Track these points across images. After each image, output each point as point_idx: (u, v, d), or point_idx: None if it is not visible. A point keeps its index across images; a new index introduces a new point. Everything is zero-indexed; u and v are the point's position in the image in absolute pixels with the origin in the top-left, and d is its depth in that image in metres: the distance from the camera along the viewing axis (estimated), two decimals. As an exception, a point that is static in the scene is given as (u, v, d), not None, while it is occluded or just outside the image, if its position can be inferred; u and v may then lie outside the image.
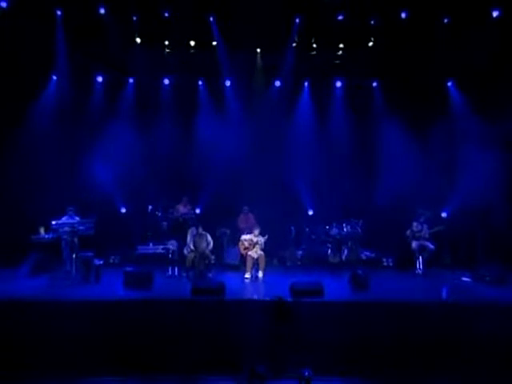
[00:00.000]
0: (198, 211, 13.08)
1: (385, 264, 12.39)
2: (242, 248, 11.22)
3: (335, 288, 9.54)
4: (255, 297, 9.28)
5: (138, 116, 13.29)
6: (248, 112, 13.25)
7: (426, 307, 8.72)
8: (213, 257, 10.96)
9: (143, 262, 11.58)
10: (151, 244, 12.54)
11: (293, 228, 12.31)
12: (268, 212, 12.42)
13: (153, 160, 13.21)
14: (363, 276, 9.68)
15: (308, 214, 13.71)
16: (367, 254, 12.59)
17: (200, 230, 11.07)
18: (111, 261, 12.07)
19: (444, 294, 9.53)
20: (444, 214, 13.09)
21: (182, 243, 11.35)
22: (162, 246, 11.91)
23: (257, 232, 11.09)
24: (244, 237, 11.21)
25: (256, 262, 10.90)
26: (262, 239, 11.00)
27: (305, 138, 13.52)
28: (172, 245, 11.55)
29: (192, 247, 10.96)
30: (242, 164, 13.03)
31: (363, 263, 12.15)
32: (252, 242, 11.11)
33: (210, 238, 11.07)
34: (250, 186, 12.80)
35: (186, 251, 11.18)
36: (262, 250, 11.01)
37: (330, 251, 12.52)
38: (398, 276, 11.49)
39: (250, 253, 11.00)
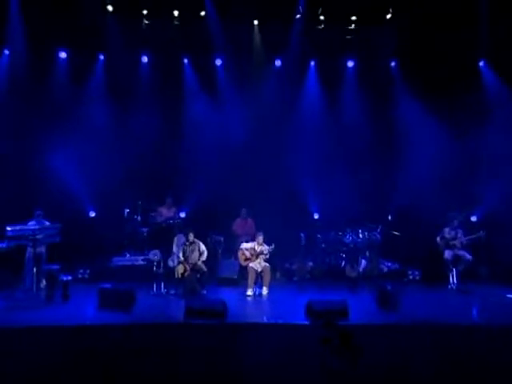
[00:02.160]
0: (183, 215, 12.93)
1: (410, 277, 12.09)
2: (242, 259, 10.93)
3: (358, 308, 9.04)
4: (265, 319, 8.74)
5: (110, 100, 12.97)
6: (244, 97, 13.04)
7: (467, 331, 8.39)
8: (206, 269, 10.58)
9: (120, 277, 11.11)
10: (128, 255, 12.20)
11: (303, 235, 11.81)
12: (270, 215, 12.14)
13: (129, 153, 12.79)
14: (392, 294, 9.29)
15: (317, 219, 13.47)
16: (388, 265, 12.22)
17: (190, 237, 10.69)
18: (80, 275, 11.65)
19: (486, 315, 9.20)
20: (474, 218, 12.82)
21: (167, 253, 11.11)
22: (142, 258, 11.55)
23: (260, 239, 10.79)
24: (245, 245, 10.91)
25: (259, 276, 10.55)
26: (267, 248, 10.68)
27: (311, 127, 13.35)
28: (154, 256, 11.12)
29: (181, 258, 10.61)
30: (238, 158, 12.88)
31: (384, 276, 11.78)
32: (254, 252, 10.80)
33: (203, 246, 10.75)
34: (247, 184, 12.57)
35: (171, 263, 11.04)
36: (267, 261, 10.70)
37: (343, 263, 12.21)
38: (427, 292, 11.11)
39: (251, 264, 10.64)
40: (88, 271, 11.81)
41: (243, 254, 10.86)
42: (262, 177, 12.77)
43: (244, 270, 10.99)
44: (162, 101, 12.99)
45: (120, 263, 11.96)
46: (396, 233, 12.17)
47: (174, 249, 11.11)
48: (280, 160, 12.89)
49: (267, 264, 10.65)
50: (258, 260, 10.68)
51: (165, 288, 10.55)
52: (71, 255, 11.34)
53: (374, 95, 13.24)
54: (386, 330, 8.36)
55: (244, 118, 12.92)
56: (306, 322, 8.35)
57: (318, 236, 12.49)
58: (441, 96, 12.54)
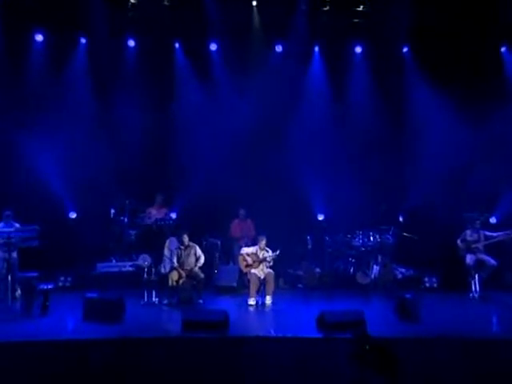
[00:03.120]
0: (173, 216, 12.58)
1: (427, 285, 11.91)
2: (243, 265, 10.72)
3: (375, 319, 8.67)
4: (272, 332, 8.46)
5: (92, 89, 12.81)
6: (241, 86, 12.89)
7: (493, 345, 8.12)
8: (203, 276, 10.42)
9: (105, 285, 10.97)
10: (114, 260, 11.98)
11: (309, 238, 11.81)
12: (271, 216, 12.02)
13: (114, 147, 12.60)
14: (413, 303, 9.08)
15: (321, 220, 13.26)
16: (402, 271, 12.09)
17: (185, 240, 10.54)
18: (61, 284, 11.50)
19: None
20: (493, 220, 12.62)
21: (158, 259, 10.95)
22: (129, 263, 11.43)
23: (263, 244, 10.61)
24: (246, 250, 10.75)
25: (262, 284, 10.42)
26: (270, 254, 10.54)
27: (315, 119, 13.24)
28: (144, 261, 11.00)
29: (175, 264, 10.42)
30: (236, 153, 12.72)
31: (398, 284, 11.73)
32: (257, 258, 10.60)
33: (199, 251, 10.62)
34: (246, 181, 12.42)
35: (162, 269, 10.85)
36: (270, 267, 10.57)
37: (352, 268, 12.12)
38: (446, 301, 10.92)
39: (254, 271, 10.48)
40: (69, 279, 11.66)
41: (244, 259, 10.67)
42: (263, 173, 12.64)
43: (244, 276, 10.89)
44: (151, 90, 12.79)
45: (105, 270, 11.74)
46: (410, 235, 12.08)
47: (166, 253, 10.92)
48: (282, 155, 12.71)
49: (271, 270, 10.50)
50: (261, 266, 10.52)
51: (157, 297, 10.31)
52: (50, 261, 11.15)
53: (383, 84, 13.07)
54: (407, 344, 8.04)
55: (242, 108, 12.76)
56: (319, 335, 8.12)
57: (327, 239, 12.34)
58: (457, 85, 12.49)
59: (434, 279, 11.96)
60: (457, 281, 11.41)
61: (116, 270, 11.70)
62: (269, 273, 10.44)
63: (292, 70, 13.21)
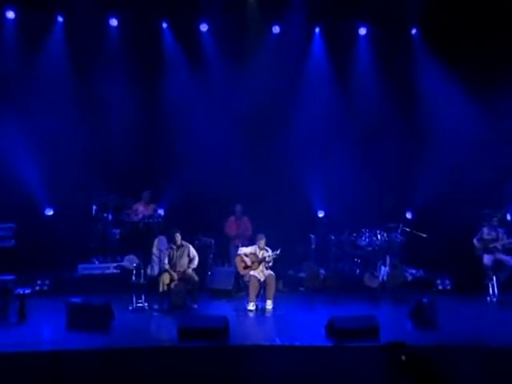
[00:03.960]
0: (161, 212, 12.57)
1: (440, 287, 11.87)
2: (241, 266, 10.61)
3: (388, 325, 8.52)
4: (277, 341, 8.24)
5: (71, 72, 12.72)
6: (236, 69, 12.84)
7: None
8: (197, 279, 10.34)
9: (88, 289, 10.80)
10: (97, 262, 12.03)
11: (313, 237, 11.66)
12: (269, 213, 12.10)
13: (96, 137, 12.59)
14: (431, 308, 8.99)
15: (325, 217, 13.25)
16: (413, 272, 12.06)
17: (178, 239, 10.42)
18: (39, 288, 11.31)
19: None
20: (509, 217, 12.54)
21: (145, 260, 10.82)
22: (114, 265, 11.52)
23: (262, 243, 10.52)
24: (244, 250, 10.64)
25: (262, 287, 10.34)
26: (270, 254, 10.40)
27: (316, 106, 13.22)
28: (130, 262, 11.01)
29: (166, 265, 10.29)
30: (231, 143, 12.71)
31: (408, 286, 11.61)
32: (256, 258, 10.49)
33: (193, 251, 10.50)
34: (242, 175, 12.48)
35: (150, 271, 10.74)
36: (270, 268, 10.48)
37: (358, 270, 12.08)
38: (462, 305, 10.75)
39: (253, 273, 10.35)
40: (48, 282, 11.49)
41: (242, 260, 10.56)
42: (260, 166, 12.68)
43: (240, 279, 10.89)
44: (136, 74, 12.73)
45: (87, 272, 11.75)
46: (418, 233, 11.99)
47: (155, 254, 10.78)
48: (281, 145, 12.77)
49: (271, 272, 10.37)
50: (260, 268, 10.42)
51: (146, 302, 10.16)
52: (26, 263, 11.01)
53: (390, 68, 13.08)
54: (427, 354, 7.26)
55: (236, 95, 12.75)
56: (329, 344, 8.00)
57: (332, 238, 12.25)
58: (472, 70, 12.52)
59: (447, 281, 11.94)
60: (472, 283, 11.38)
61: (99, 272, 11.71)
62: (269, 275, 10.32)
63: (291, 53, 13.23)
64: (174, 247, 10.39)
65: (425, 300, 9.19)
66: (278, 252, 10.35)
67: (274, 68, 13.00)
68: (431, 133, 12.82)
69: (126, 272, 10.96)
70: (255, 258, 10.50)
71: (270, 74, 12.90)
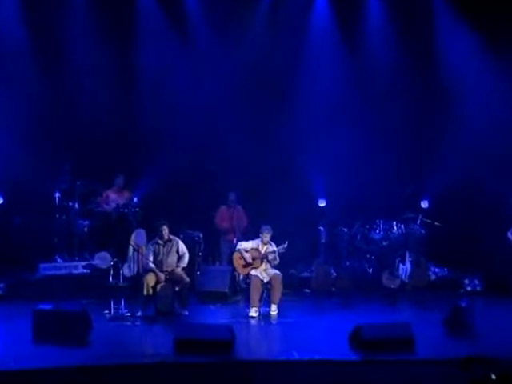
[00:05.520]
0: (135, 200, 12.49)
1: (468, 288, 11.88)
2: (239, 265, 10.53)
3: (420, 333, 8.37)
4: (294, 354, 8.00)
5: (29, 37, 12.62)
6: (227, 37, 12.96)
7: None
8: (188, 280, 10.29)
9: (52, 293, 10.63)
10: (60, 260, 11.92)
11: (323, 230, 11.74)
12: (267, 202, 12.42)
13: (60, 110, 12.58)
14: (469, 313, 9.01)
15: (323, 206, 13.03)
16: (436, 271, 12.17)
17: (165, 233, 10.26)
18: None
19: None
20: None
21: (121, 257, 10.81)
22: (83, 263, 11.56)
23: (268, 236, 10.39)
24: (244, 245, 10.52)
25: (265, 289, 10.26)
26: (275, 249, 10.34)
27: (317, 80, 13.21)
28: (102, 260, 11.20)
29: (151, 264, 10.16)
30: (220, 120, 12.79)
31: (431, 287, 11.68)
32: (258, 255, 10.36)
33: (183, 246, 10.41)
34: (235, 158, 12.63)
35: (128, 271, 10.67)
36: (275, 267, 10.42)
37: (372, 269, 12.29)
38: (496, 308, 10.74)
39: (254, 273, 10.25)
40: (3, 285, 11.32)
41: (241, 257, 10.45)
42: (257, 147, 12.68)
43: (237, 279, 11.20)
44: (107, 38, 12.71)
45: (51, 272, 11.64)
46: (433, 222, 12.17)
47: (131, 250, 10.72)
48: (281, 123, 12.80)
49: (277, 272, 10.30)
50: (264, 266, 10.32)
51: (126, 308, 10.05)
52: None
53: (407, 33, 12.99)
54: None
55: (227, 61, 12.89)
56: (356, 357, 7.90)
57: (345, 230, 12.37)
58: (503, 33, 12.42)
59: (477, 281, 11.94)
60: (506, 282, 11.43)
61: (65, 272, 11.64)
62: (275, 274, 10.25)
63: (292, 17, 13.25)
64: (161, 242, 10.27)
65: (463, 304, 9.18)
66: (285, 245, 10.29)
67: (272, 34, 13.14)
68: (456, 108, 12.82)
69: (97, 272, 11.13)
70: (257, 254, 10.39)
71: (267, 42, 13.07)
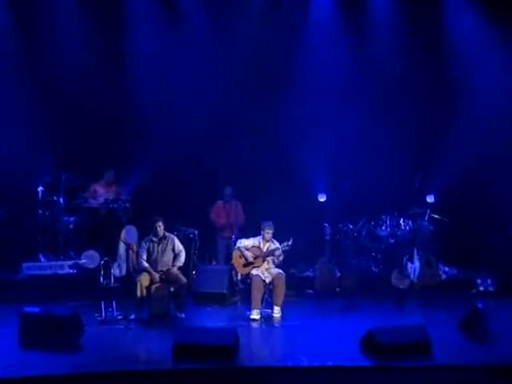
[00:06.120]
0: (125, 195, 12.49)
1: (480, 288, 11.78)
2: (239, 264, 10.52)
3: (435, 337, 8.34)
4: (304, 360, 7.95)
5: (12, 20, 12.71)
6: (224, 26, 13.07)
7: None
8: (185, 280, 10.24)
9: (36, 295, 10.72)
10: (44, 259, 11.90)
11: (327, 226, 11.62)
12: (265, 197, 12.37)
13: (44, 97, 12.55)
14: (487, 316, 8.94)
15: (323, 201, 13.02)
16: (446, 270, 12.21)
17: (160, 229, 10.18)
18: None
19: None
20: None
21: (110, 256, 10.71)
22: (69, 263, 11.49)
23: (270, 233, 10.37)
24: (245, 243, 10.52)
25: (268, 290, 10.23)
26: (278, 246, 10.30)
27: (324, 70, 13.29)
28: (90, 259, 11.03)
29: (144, 263, 10.11)
30: (216, 110, 12.95)
31: (440, 287, 11.55)
32: (260, 253, 10.35)
33: (179, 244, 10.36)
34: (232, 150, 12.75)
35: (117, 271, 10.72)
36: (278, 266, 10.39)
37: (378, 268, 12.31)
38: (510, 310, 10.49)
39: (256, 272, 10.20)
40: None
41: (241, 256, 10.43)
42: (254, 139, 12.74)
43: (236, 279, 11.21)
44: (101, 28, 12.84)
45: (34, 272, 11.55)
46: (440, 217, 12.17)
47: (121, 249, 10.86)
48: (279, 110, 12.84)
49: (280, 271, 10.22)
50: (265, 265, 10.28)
51: (118, 311, 9.98)
52: None
53: (417, 16, 13.02)
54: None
55: (225, 48, 13.02)
56: (371, 363, 7.84)
57: (350, 227, 12.40)
58: None
59: (490, 280, 11.85)
60: None
61: (50, 272, 11.54)
62: (278, 274, 10.16)
63: (293, 2, 13.42)
64: (155, 240, 10.19)
65: (480, 305, 9.22)
66: (289, 243, 10.24)
67: (271, 17, 13.17)
68: (464, 97, 12.87)
69: (85, 272, 11.03)
70: (259, 252, 10.36)
71: (266, 25, 13.13)
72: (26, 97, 12.38)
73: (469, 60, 13.05)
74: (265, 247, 10.38)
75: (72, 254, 11.74)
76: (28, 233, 12.11)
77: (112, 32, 12.93)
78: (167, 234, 10.30)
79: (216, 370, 7.67)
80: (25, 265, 11.52)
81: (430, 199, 12.69)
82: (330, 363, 7.72)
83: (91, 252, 11.03)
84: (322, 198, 13.10)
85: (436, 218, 12.31)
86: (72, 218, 12.15)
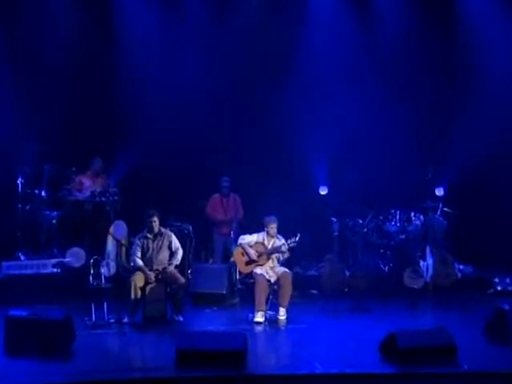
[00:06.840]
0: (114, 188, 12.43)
1: (498, 287, 11.82)
2: (241, 262, 10.47)
3: (459, 341, 8.28)
4: (318, 367, 7.87)
5: None
6: (222, 9, 13.20)
7: None
8: (184, 280, 10.21)
9: (17, 296, 10.57)
10: (23, 257, 11.90)
11: (335, 221, 11.68)
12: (266, 190, 12.50)
13: (22, 81, 12.54)
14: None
15: (325, 194, 13.17)
16: (460, 268, 12.19)
17: (155, 225, 10.08)
18: None
19: None
20: None
21: (97, 254, 10.57)
22: (53, 262, 11.42)
23: (274, 228, 10.31)
24: (248, 239, 10.46)
25: (272, 290, 10.15)
26: (284, 243, 10.22)
27: (327, 55, 13.39)
28: (75, 258, 11.15)
29: (139, 262, 10.02)
30: (212, 97, 13.04)
31: (455, 286, 11.57)
32: (265, 250, 10.29)
33: (176, 241, 10.28)
34: (230, 139, 12.88)
35: (108, 271, 10.56)
36: (283, 264, 10.37)
37: (387, 267, 12.33)
38: None
39: (259, 271, 10.14)
40: None
41: (244, 253, 10.35)
42: (254, 127, 12.89)
43: (244, 280, 11.22)
44: (87, 11, 12.95)
45: (15, 272, 11.51)
46: (452, 211, 12.29)
47: (110, 246, 11.00)
48: (279, 98, 12.90)
49: (286, 270, 10.18)
50: (270, 263, 10.22)
51: (110, 314, 9.82)
52: None
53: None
54: None
55: (221, 42, 13.07)
56: (393, 370, 7.77)
57: (360, 222, 12.43)
58: None
59: (509, 279, 11.93)
60: None
61: (32, 272, 11.50)
62: (284, 273, 10.08)
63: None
64: (150, 236, 10.09)
65: (506, 307, 9.11)
66: (296, 239, 10.17)
67: (272, 10, 13.32)
68: (476, 84, 12.89)
69: (70, 272, 11.07)
70: (263, 249, 10.29)
71: (267, 8, 13.29)
72: (13, 81, 12.37)
73: (483, 45, 13.08)
74: (269, 244, 10.33)
75: (56, 251, 11.69)
76: (6, 229, 11.96)
77: (102, 18, 12.98)
78: (163, 229, 10.25)
79: (222, 377, 7.58)
80: (4, 264, 11.47)
81: (439, 192, 12.78)
82: (348, 370, 7.64)
83: (76, 249, 11.09)
84: (324, 191, 13.15)
85: (448, 212, 12.37)
86: (55, 213, 12.07)
